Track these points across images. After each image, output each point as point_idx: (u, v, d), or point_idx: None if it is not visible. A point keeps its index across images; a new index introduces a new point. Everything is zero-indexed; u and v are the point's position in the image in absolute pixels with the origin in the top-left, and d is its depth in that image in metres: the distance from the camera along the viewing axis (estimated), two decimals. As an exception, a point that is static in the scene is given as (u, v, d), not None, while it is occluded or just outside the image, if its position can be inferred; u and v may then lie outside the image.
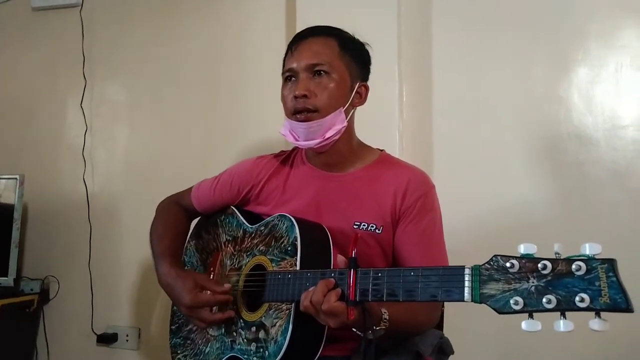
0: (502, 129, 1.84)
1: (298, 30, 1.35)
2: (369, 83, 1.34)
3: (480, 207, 1.82)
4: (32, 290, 2.21)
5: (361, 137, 1.36)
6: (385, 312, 1.04)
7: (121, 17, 2.33)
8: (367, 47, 1.34)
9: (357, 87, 1.29)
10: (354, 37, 1.33)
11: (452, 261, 1.22)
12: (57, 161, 2.37)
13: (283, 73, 1.30)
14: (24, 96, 2.45)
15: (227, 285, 1.25)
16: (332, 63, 1.24)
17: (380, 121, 1.79)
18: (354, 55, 1.29)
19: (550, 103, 1.80)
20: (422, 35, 1.93)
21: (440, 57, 1.91)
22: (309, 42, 1.27)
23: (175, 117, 2.23)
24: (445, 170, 1.84)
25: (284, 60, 1.31)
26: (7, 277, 2.10)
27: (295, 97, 1.23)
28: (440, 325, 1.37)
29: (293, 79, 1.27)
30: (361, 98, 1.31)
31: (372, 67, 1.36)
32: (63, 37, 2.38)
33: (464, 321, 1.53)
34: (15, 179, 2.17)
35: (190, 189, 1.50)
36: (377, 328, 1.03)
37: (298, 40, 1.29)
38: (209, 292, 1.23)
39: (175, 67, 2.24)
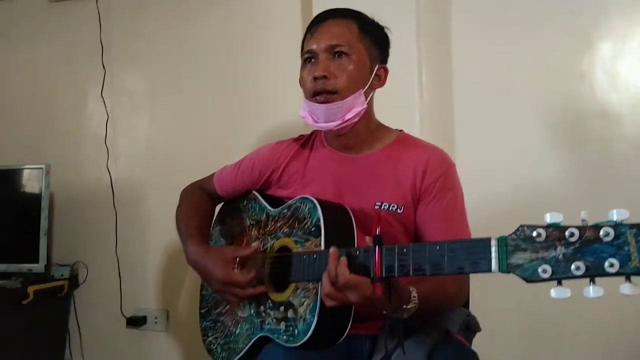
0: (524, 107, 1.82)
1: (314, 14, 1.35)
2: (389, 65, 1.34)
3: (504, 186, 1.81)
4: (62, 275, 2.27)
5: (381, 119, 1.36)
6: (413, 290, 1.04)
7: (138, 6, 2.34)
8: (386, 30, 1.33)
9: (377, 70, 1.28)
10: (374, 20, 1.32)
11: (476, 238, 1.22)
12: (80, 150, 2.41)
13: (302, 55, 1.31)
14: (45, 87, 2.49)
15: (255, 244, 1.27)
16: (352, 45, 1.24)
17: (400, 102, 1.78)
18: (374, 38, 1.29)
19: (574, 79, 1.78)
20: (441, 15, 1.91)
21: (459, 37, 1.89)
22: (329, 23, 1.27)
23: (195, 104, 2.25)
24: (467, 150, 1.83)
25: (303, 42, 1.32)
26: (38, 263, 2.15)
27: (315, 79, 1.23)
28: (466, 304, 1.38)
29: (312, 60, 1.27)
30: (380, 80, 1.31)
31: (392, 49, 1.35)
32: (80, 27, 2.40)
33: (488, 298, 1.53)
34: (41, 168, 2.21)
35: (212, 175, 1.51)
36: (407, 307, 1.03)
37: (318, 22, 1.29)
38: (237, 266, 1.24)
39: (193, 53, 2.25)
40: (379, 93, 1.34)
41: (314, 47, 1.26)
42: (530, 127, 1.81)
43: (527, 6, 1.82)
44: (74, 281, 2.31)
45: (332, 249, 1.03)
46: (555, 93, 1.79)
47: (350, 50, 1.24)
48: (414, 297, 1.04)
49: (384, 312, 1.02)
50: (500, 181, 1.82)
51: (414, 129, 1.75)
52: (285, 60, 2.06)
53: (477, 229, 1.28)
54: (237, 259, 1.25)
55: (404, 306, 1.03)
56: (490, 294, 1.51)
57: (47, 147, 2.44)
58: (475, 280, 1.41)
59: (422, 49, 1.88)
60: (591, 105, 1.75)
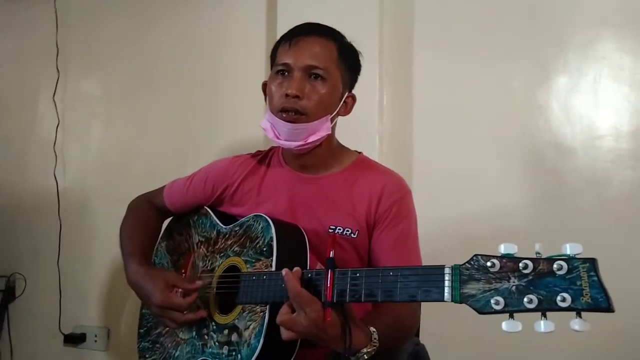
0: (481, 136, 1.84)
1: (279, 30, 1.30)
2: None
3: (459, 212, 1.82)
4: (-3, 287, 2.15)
5: (341, 140, 1.35)
6: (374, 332, 1.00)
7: (97, 10, 2.29)
8: (360, 57, 1.31)
9: (345, 97, 1.26)
10: (352, 45, 1.29)
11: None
12: (26, 155, 2.32)
13: (275, 64, 1.24)
14: (-7, 87, 2.40)
15: (198, 282, 1.21)
16: (329, 69, 1.21)
17: (360, 125, 1.76)
18: (349, 64, 1.26)
19: (530, 111, 1.81)
20: (403, 41, 1.93)
21: (420, 64, 1.92)
22: (311, 40, 1.22)
23: (150, 114, 2.20)
24: (425, 175, 1.85)
25: (277, 51, 1.25)
26: (-30, 273, 2.04)
27: (287, 95, 1.18)
28: (416, 332, 1.36)
29: (286, 73, 1.21)
30: (347, 108, 1.29)
31: None
32: (36, 27, 2.34)
33: (440, 326, 1.52)
34: (-17, 172, 2.11)
35: (162, 188, 1.46)
36: (367, 350, 0.98)
37: (298, 35, 1.23)
38: (180, 290, 1.19)
39: (151, 62, 2.21)
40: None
41: (291, 62, 1.20)
42: (486, 156, 1.83)
43: (487, 39, 1.86)
44: (9, 293, 2.20)
45: (294, 270, 0.99)
46: (512, 124, 1.83)
47: (326, 74, 1.20)
48: (375, 339, 1.00)
49: (341, 352, 0.97)
50: (456, 208, 1.82)
51: (373, 152, 1.76)
52: (246, 76, 2.06)
53: (431, 256, 1.27)
54: (178, 289, 1.20)
55: (364, 349, 0.98)
56: (441, 322, 1.50)
57: (-9, 150, 2.34)
58: (426, 307, 1.39)
59: (383, 73, 1.89)
60: (546, 137, 1.79)
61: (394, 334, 1.09)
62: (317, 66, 1.19)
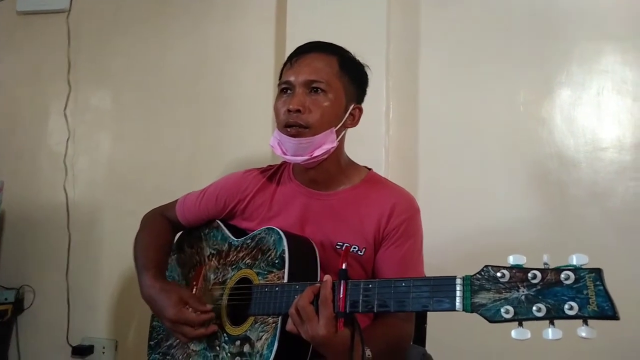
0: (486, 148, 1.87)
1: (288, 47, 1.32)
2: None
3: (464, 225, 1.84)
4: (6, 299, 2.15)
5: (348, 153, 1.36)
6: (368, 350, 1.02)
7: (109, 25, 2.32)
8: (366, 69, 1.32)
9: (351, 109, 1.27)
10: (355, 58, 1.31)
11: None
12: (37, 168, 2.33)
13: (279, 84, 1.28)
14: (5, 101, 2.41)
15: (208, 306, 1.22)
16: (330, 82, 1.22)
17: (367, 137, 1.79)
18: (353, 76, 1.28)
19: (534, 123, 1.84)
20: (410, 54, 1.96)
21: (427, 76, 1.94)
22: (310, 57, 1.25)
23: (160, 128, 2.22)
24: (430, 187, 1.87)
25: (282, 72, 1.29)
26: (-20, 285, 2.05)
27: (289, 111, 1.21)
28: (422, 341, 1.37)
29: (289, 91, 1.25)
30: (354, 120, 1.30)
31: None
32: (48, 42, 2.36)
33: (446, 337, 1.53)
34: (-6, 185, 2.13)
35: (175, 202, 1.48)
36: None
37: (299, 54, 1.27)
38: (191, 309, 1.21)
39: (162, 77, 2.23)
40: (346, 127, 1.34)
41: (292, 79, 1.23)
42: (491, 168, 1.85)
43: (492, 52, 1.89)
44: (18, 306, 2.20)
45: (316, 286, 1.01)
46: (516, 136, 1.85)
47: (327, 87, 1.22)
48: (369, 356, 1.01)
49: None
50: (461, 219, 1.84)
51: (379, 164, 1.79)
52: (256, 90, 2.08)
53: (436, 268, 1.27)
54: (188, 306, 1.21)
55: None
56: (447, 331, 1.51)
57: (2, 163, 2.35)
58: (432, 317, 1.41)
59: (390, 86, 1.92)
60: (550, 149, 1.82)
61: (390, 352, 1.11)
62: (317, 80, 1.22)
